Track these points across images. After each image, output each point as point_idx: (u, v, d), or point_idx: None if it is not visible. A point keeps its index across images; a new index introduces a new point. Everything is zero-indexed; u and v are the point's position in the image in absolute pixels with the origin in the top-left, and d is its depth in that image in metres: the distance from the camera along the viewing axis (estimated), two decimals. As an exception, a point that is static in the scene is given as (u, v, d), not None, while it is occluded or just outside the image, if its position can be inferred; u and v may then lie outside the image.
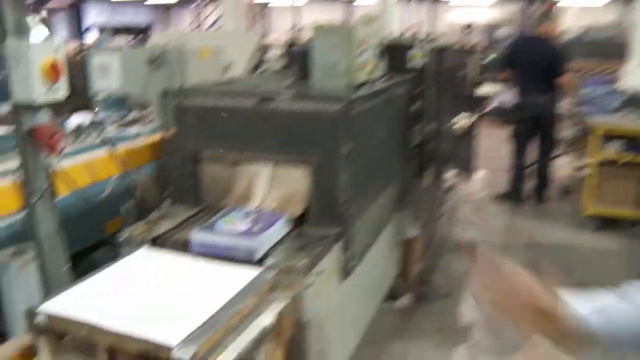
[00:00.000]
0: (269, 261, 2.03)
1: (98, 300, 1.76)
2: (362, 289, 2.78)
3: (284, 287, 2.02)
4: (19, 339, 2.10)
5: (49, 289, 2.08)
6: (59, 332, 1.71)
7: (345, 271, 2.41)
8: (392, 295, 3.69)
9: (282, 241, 2.21)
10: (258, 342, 1.72)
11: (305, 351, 2.13)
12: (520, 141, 5.60)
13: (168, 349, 1.51)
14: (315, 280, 2.11)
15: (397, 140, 3.13)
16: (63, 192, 2.25)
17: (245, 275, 1.95)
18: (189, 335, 1.56)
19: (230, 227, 2.10)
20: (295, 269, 2.00)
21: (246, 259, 2.02)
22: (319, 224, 2.36)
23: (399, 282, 3.73)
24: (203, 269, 1.99)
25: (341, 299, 2.47)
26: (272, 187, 2.45)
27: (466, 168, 3.41)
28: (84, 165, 2.38)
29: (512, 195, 5.73)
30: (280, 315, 1.88)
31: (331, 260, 2.27)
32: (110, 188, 2.40)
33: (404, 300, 3.76)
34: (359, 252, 2.55)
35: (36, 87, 1.93)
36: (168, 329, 1.59)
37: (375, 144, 2.67)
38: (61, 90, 2.03)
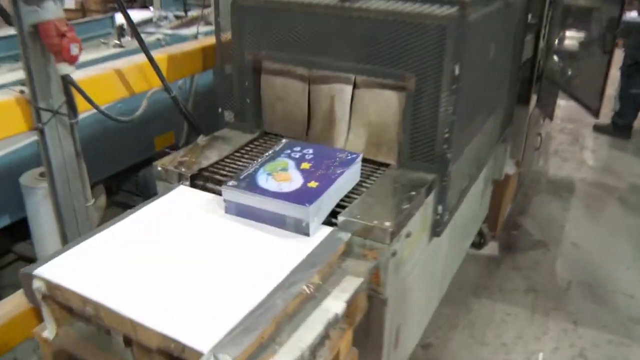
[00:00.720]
0: (341, 218, 1.52)
1: (112, 265, 1.31)
2: (448, 244, 2.26)
3: (360, 256, 1.52)
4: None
5: (66, 232, 1.66)
6: (62, 302, 1.29)
7: (437, 229, 1.88)
8: (477, 243, 3.16)
9: (360, 188, 1.69)
10: (323, 338, 1.25)
11: (381, 333, 1.66)
12: (640, 66, 4.71)
13: (197, 355, 1.06)
14: (403, 245, 1.59)
15: (509, 57, 2.46)
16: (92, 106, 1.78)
17: (306, 240, 1.45)
18: (226, 336, 1.09)
19: (275, 182, 1.53)
20: (376, 230, 1.48)
21: (295, 232, 1.48)
22: (409, 166, 1.81)
23: (485, 227, 3.18)
24: (251, 229, 1.49)
25: (426, 260, 1.96)
26: (350, 115, 1.89)
27: (588, 96, 2.71)
28: (120, 73, 1.88)
29: (619, 128, 4.92)
30: (355, 296, 1.39)
31: (422, 217, 1.74)
32: (146, 102, 1.91)
33: (490, 249, 3.22)
34: (455, 203, 2.01)
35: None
36: (199, 323, 1.13)
37: (487, 62, 2.03)
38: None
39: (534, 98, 3.12)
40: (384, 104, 1.81)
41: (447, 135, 1.71)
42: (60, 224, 1.65)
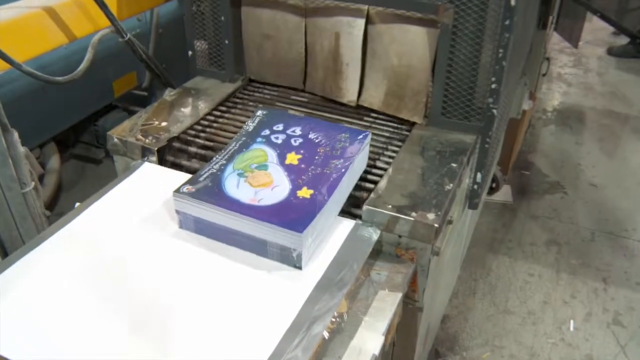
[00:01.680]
0: (366, 207, 1.12)
1: (59, 314, 0.90)
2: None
3: (392, 257, 1.14)
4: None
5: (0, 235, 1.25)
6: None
7: (474, 200, 1.51)
8: (489, 188, 2.81)
9: (382, 157, 1.29)
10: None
11: (413, 345, 1.32)
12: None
13: None
14: (444, 235, 1.22)
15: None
16: (28, 56, 1.32)
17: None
18: None
19: (251, 189, 1.04)
20: (417, 226, 1.09)
21: (281, 262, 1.02)
22: (441, 124, 1.40)
23: (498, 171, 2.82)
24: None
25: (456, 238, 1.61)
26: (362, 59, 1.45)
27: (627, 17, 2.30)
28: (53, 12, 1.40)
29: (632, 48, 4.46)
30: (394, 318, 1.03)
31: (460, 190, 1.36)
32: (92, 51, 1.45)
33: (503, 195, 2.89)
34: (491, 165, 1.63)
35: None
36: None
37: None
38: None
39: (551, 19, 2.69)
40: (409, 44, 1.38)
41: (494, 86, 1.30)
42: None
